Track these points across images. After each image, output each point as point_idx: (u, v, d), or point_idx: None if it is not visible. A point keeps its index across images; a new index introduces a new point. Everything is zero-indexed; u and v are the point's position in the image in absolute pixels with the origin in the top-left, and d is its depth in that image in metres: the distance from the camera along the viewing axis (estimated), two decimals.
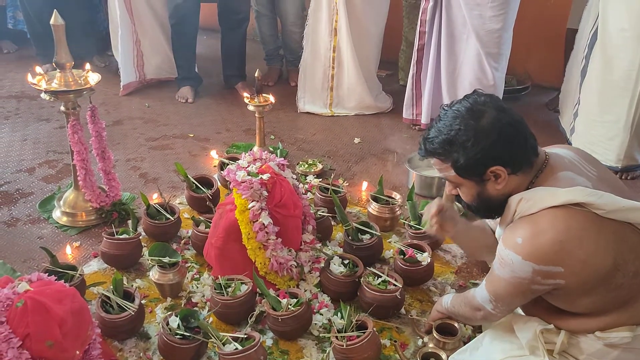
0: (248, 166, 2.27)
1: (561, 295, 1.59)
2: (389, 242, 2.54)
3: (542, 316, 1.71)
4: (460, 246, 2.26)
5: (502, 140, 1.53)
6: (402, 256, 2.28)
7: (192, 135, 3.59)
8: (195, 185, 2.71)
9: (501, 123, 1.54)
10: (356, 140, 3.56)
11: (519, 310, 1.81)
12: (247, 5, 4.13)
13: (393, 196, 2.68)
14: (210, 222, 2.38)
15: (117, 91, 4.12)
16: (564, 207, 1.50)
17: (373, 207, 2.64)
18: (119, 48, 4.07)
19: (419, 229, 2.45)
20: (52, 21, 2.35)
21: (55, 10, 2.38)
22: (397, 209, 2.63)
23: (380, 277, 2.15)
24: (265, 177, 2.20)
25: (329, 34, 3.71)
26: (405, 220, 2.57)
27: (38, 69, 2.49)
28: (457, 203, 1.90)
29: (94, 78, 2.50)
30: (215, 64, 4.50)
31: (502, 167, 1.55)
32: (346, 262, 2.25)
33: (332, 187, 2.68)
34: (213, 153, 3.30)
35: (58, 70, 2.42)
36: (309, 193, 2.87)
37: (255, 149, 3.12)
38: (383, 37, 3.89)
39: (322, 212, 2.55)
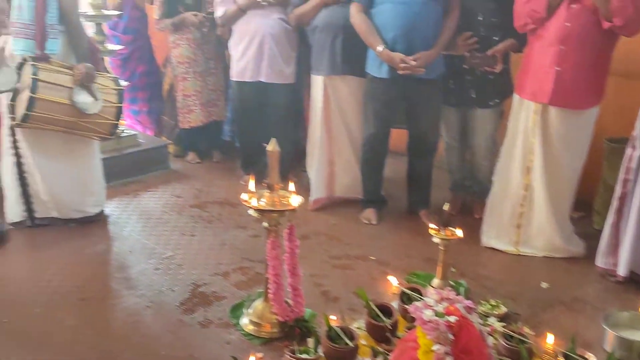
0: (435, 305, 2.24)
1: None
2: None
3: None
4: None
5: None
6: None
7: (373, 257, 3.66)
8: (376, 313, 2.73)
9: None
10: (543, 284, 3.36)
11: None
12: (436, 137, 4.25)
13: (587, 356, 2.45)
14: (388, 355, 2.36)
15: (305, 206, 4.37)
16: None
17: None
18: (313, 166, 4.38)
19: None
20: (269, 147, 2.64)
21: (273, 138, 2.67)
22: None
23: None
24: (452, 319, 2.15)
25: (522, 172, 3.64)
26: None
27: (251, 185, 2.75)
28: None
29: (296, 200, 2.71)
30: (400, 188, 4.60)
31: None
32: None
33: (519, 337, 2.53)
34: (392, 279, 3.30)
35: (267, 190, 2.67)
36: (490, 337, 2.72)
37: (436, 281, 3.08)
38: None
39: None
